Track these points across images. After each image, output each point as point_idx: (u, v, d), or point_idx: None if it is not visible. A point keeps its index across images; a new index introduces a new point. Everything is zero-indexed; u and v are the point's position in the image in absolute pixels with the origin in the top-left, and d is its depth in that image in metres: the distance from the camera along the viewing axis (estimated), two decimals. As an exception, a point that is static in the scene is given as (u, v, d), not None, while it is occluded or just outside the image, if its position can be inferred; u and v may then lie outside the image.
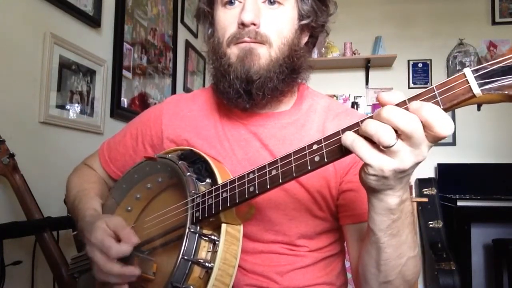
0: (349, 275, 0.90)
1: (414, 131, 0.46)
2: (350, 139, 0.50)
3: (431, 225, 3.11)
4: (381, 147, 0.48)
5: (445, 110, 0.47)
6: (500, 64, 0.45)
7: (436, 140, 0.48)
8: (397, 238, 0.60)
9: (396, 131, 0.47)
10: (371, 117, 0.51)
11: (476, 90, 0.46)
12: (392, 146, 0.47)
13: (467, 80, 0.46)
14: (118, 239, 0.69)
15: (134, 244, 0.68)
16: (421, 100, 0.48)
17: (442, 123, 0.46)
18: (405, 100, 0.49)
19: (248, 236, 0.76)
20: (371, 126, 0.48)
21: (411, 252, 0.63)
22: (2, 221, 1.21)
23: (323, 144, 0.54)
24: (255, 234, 0.77)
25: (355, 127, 0.52)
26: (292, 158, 0.56)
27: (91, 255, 0.69)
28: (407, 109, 0.48)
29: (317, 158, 0.54)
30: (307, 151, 0.55)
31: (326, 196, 0.77)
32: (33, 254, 1.29)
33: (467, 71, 0.46)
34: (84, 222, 0.76)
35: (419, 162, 0.49)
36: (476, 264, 3.14)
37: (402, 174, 0.50)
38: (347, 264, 0.92)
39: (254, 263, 0.77)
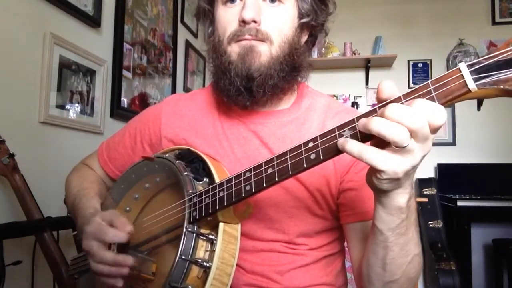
0: (349, 275, 0.90)
1: (423, 127, 0.46)
2: (356, 149, 0.49)
3: (431, 225, 3.11)
4: (394, 147, 0.47)
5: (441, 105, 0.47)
6: (495, 59, 0.45)
7: (436, 131, 0.48)
8: (405, 237, 0.60)
9: None
10: (367, 114, 0.50)
11: (471, 85, 0.46)
12: (407, 145, 0.46)
13: (462, 75, 0.46)
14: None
15: (128, 231, 0.69)
16: (416, 96, 0.48)
17: (436, 114, 0.46)
18: (400, 96, 0.49)
19: (248, 235, 0.76)
20: (382, 127, 0.46)
21: (416, 250, 0.64)
22: (2, 221, 1.22)
23: (318, 141, 0.53)
24: (255, 232, 0.77)
25: (351, 124, 0.51)
26: (288, 156, 0.56)
27: (88, 247, 0.69)
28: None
29: (312, 156, 0.53)
30: (302, 149, 0.55)
31: (326, 194, 0.77)
32: (33, 254, 1.29)
33: (462, 66, 0.46)
34: (83, 220, 0.77)
35: (426, 155, 0.50)
36: (476, 264, 3.13)
37: (412, 170, 0.50)
38: (347, 264, 0.92)
39: (254, 263, 0.77)
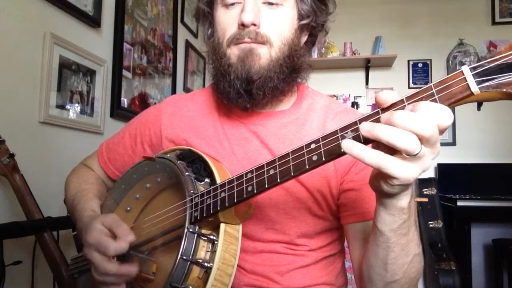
0: (349, 275, 0.90)
1: (434, 133, 0.45)
2: (369, 156, 0.47)
3: (431, 225, 3.11)
4: (405, 155, 0.46)
5: None
6: (498, 62, 0.45)
7: (443, 132, 0.47)
8: (406, 237, 0.60)
9: None
10: (370, 116, 0.50)
11: (474, 88, 0.46)
12: (418, 153, 0.45)
13: (465, 78, 0.46)
14: (114, 237, 0.68)
15: (130, 241, 0.68)
16: (419, 99, 0.48)
17: (443, 116, 0.45)
18: (402, 99, 0.49)
19: (249, 236, 0.77)
20: (391, 135, 0.45)
21: (416, 249, 0.64)
22: (2, 221, 1.22)
23: (321, 143, 0.53)
24: (255, 233, 0.77)
25: (353, 126, 0.51)
26: (290, 157, 0.56)
27: (89, 256, 0.69)
28: (404, 108, 0.48)
29: (315, 157, 0.53)
30: (305, 151, 0.55)
31: (327, 195, 0.77)
32: (33, 254, 1.29)
33: (465, 69, 0.46)
34: (82, 223, 0.77)
35: (435, 157, 0.49)
36: (476, 264, 3.14)
37: (421, 173, 0.50)
38: (347, 264, 0.92)
39: (254, 263, 0.77)
